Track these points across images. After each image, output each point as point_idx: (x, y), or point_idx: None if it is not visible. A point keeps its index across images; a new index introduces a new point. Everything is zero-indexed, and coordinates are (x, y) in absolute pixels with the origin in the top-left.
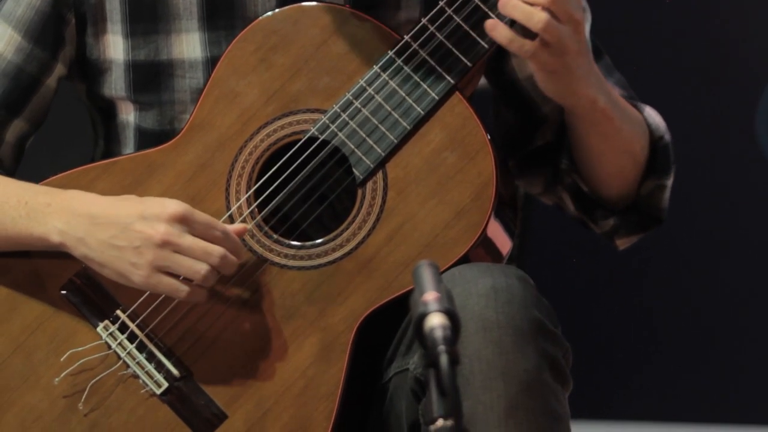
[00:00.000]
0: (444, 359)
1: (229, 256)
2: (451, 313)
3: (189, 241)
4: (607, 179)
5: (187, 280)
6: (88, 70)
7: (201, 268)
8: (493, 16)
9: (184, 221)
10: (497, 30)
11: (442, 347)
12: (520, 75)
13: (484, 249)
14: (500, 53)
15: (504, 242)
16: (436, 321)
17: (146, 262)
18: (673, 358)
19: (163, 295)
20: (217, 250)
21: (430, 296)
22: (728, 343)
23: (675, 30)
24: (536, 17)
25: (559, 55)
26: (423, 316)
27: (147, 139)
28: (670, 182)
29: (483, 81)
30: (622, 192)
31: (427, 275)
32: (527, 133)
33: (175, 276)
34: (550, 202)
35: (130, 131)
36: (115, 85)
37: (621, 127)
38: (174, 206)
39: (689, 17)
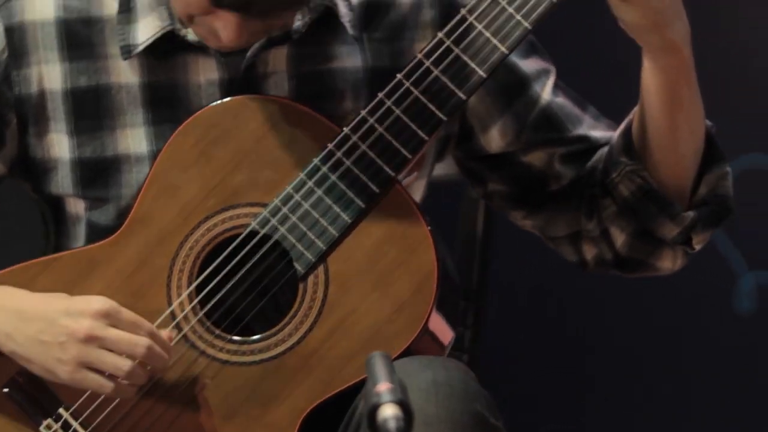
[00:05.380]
0: None
1: (155, 348)
2: (404, 405)
3: (113, 334)
4: (677, 163)
5: (113, 376)
6: (33, 169)
7: (124, 364)
8: (433, 108)
9: (108, 317)
10: None
11: None
12: (494, 147)
13: (426, 341)
14: (463, 140)
15: (446, 333)
16: (389, 412)
17: (71, 358)
18: (654, 406)
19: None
20: (142, 341)
21: (383, 387)
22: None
23: None
24: None
25: None
26: (376, 407)
27: (99, 233)
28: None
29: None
30: (682, 186)
31: (380, 366)
32: (534, 188)
33: (102, 372)
34: (573, 256)
35: (81, 226)
36: (62, 183)
37: (697, 95)
38: (99, 302)
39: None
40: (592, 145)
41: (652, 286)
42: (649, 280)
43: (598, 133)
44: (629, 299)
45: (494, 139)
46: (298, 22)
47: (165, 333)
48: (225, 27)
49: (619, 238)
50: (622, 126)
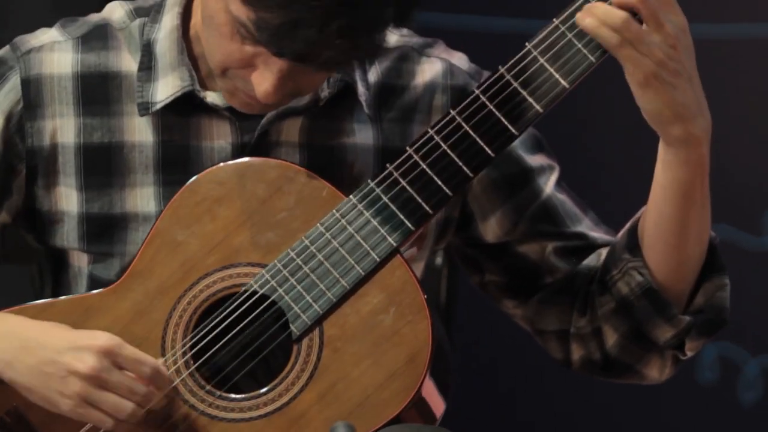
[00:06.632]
0: None
1: (153, 394)
2: None
3: (116, 377)
4: (680, 265)
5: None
6: (38, 220)
7: (126, 407)
8: (440, 182)
9: (112, 354)
10: (586, 20)
11: None
12: (490, 235)
13: (417, 410)
14: (462, 226)
15: (438, 404)
16: None
17: (73, 393)
18: None
19: None
20: (142, 389)
21: None
22: None
23: None
24: (615, 13)
25: (644, 56)
26: None
27: (101, 287)
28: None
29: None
30: (681, 290)
31: None
32: (528, 279)
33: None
34: (559, 353)
35: (83, 280)
36: (68, 236)
37: (708, 197)
38: (104, 339)
39: None
40: (589, 244)
41: None
42: None
43: (596, 234)
44: None
45: (492, 228)
46: (318, 95)
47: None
48: (264, 81)
49: (611, 337)
50: (628, 225)
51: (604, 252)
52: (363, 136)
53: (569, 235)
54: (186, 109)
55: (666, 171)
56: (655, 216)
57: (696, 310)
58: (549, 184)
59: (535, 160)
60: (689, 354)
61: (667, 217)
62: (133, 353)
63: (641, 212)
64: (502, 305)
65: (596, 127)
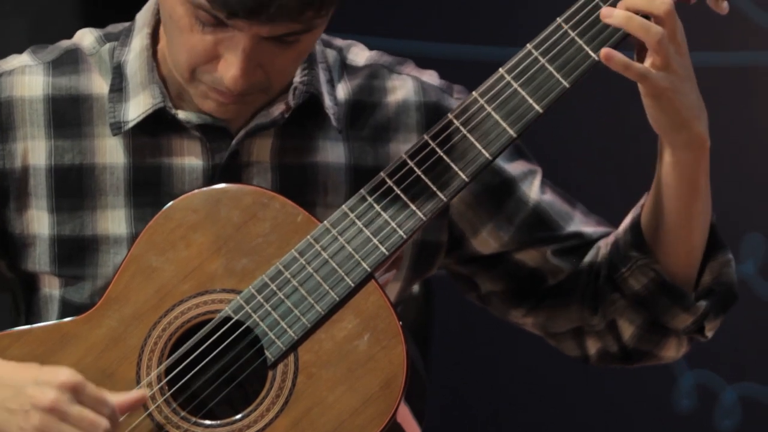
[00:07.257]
0: None
1: None
2: None
3: (76, 411)
4: (688, 253)
5: None
6: (10, 245)
7: None
8: (414, 207)
9: (74, 390)
10: (614, 58)
11: None
12: (487, 249)
13: None
14: (454, 247)
15: (413, 429)
16: None
17: (32, 427)
18: None
19: None
20: (103, 424)
21: None
22: None
23: None
24: (654, 29)
25: (665, 71)
26: None
27: (72, 312)
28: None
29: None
30: (689, 275)
31: None
32: (531, 283)
33: None
34: (576, 351)
35: (54, 304)
36: (39, 259)
37: (709, 184)
38: (66, 374)
39: None
40: (586, 241)
41: (595, 386)
42: (591, 383)
43: (590, 228)
44: (573, 398)
45: (486, 241)
46: (282, 107)
47: (136, 395)
48: (230, 66)
49: (627, 330)
50: (628, 221)
51: (602, 246)
52: (334, 155)
53: (565, 236)
54: (157, 128)
55: (673, 171)
56: (662, 212)
57: (704, 289)
58: (534, 189)
59: (516, 167)
60: (709, 335)
61: (675, 211)
62: (95, 392)
63: (640, 207)
64: (509, 316)
65: (581, 121)
